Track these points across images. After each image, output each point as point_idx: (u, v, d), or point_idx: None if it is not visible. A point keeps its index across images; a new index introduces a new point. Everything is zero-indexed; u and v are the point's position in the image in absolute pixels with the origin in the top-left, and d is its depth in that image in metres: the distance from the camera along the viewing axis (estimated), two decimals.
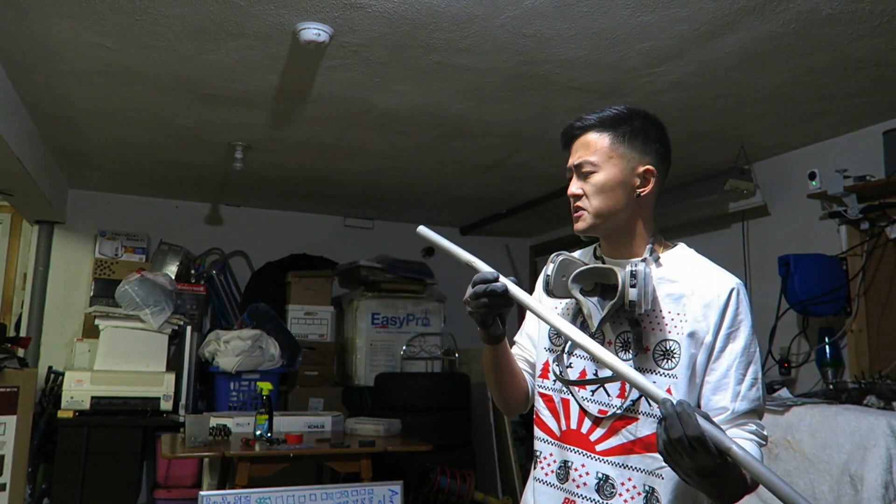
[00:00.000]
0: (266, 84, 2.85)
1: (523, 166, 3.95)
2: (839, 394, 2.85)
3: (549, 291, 1.36)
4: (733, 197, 3.67)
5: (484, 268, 1.31)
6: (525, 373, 1.53)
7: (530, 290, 1.44)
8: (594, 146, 1.36)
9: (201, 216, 5.12)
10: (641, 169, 1.35)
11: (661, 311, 1.32)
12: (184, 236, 4.88)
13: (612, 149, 1.35)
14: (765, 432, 1.30)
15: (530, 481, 1.46)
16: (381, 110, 3.14)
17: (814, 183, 3.21)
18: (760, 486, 1.11)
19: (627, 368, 1.19)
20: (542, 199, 4.56)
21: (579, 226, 1.38)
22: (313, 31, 2.31)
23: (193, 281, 4.68)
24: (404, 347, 4.91)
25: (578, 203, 1.38)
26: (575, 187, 1.38)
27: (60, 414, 3.88)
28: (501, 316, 1.35)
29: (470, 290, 1.29)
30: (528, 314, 1.55)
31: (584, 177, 1.36)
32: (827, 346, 3.16)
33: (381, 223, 5.60)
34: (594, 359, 1.25)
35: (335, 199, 4.94)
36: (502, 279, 1.28)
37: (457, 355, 5.00)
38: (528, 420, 5.89)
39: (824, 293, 3.07)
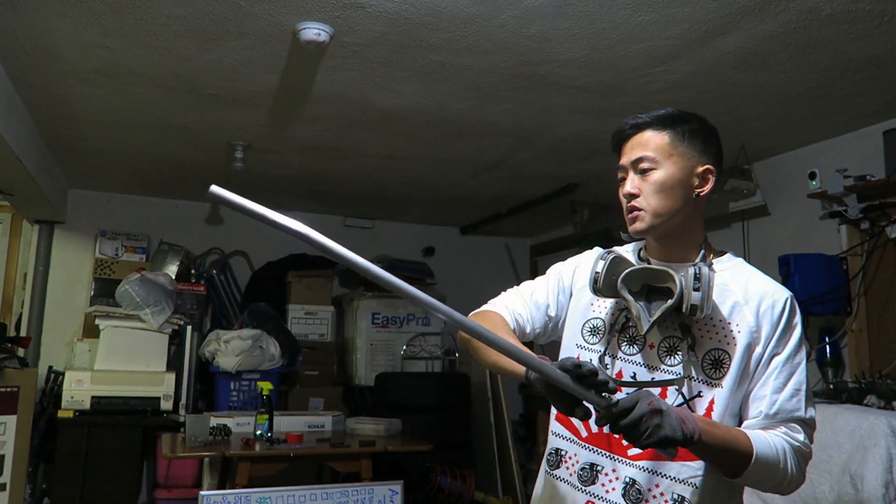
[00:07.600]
0: (266, 84, 2.85)
1: (523, 166, 3.95)
2: (839, 393, 2.86)
3: (597, 290, 1.31)
4: (733, 197, 3.67)
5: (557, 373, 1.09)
6: (512, 333, 1.43)
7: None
8: (653, 143, 1.31)
9: (201, 216, 5.12)
10: (701, 169, 1.31)
11: (715, 318, 1.28)
12: (184, 236, 4.87)
13: (671, 146, 1.30)
14: (803, 438, 1.23)
15: (546, 477, 1.40)
16: (381, 110, 3.13)
17: (814, 183, 3.21)
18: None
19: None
20: (542, 199, 4.56)
21: (637, 227, 1.31)
22: (313, 31, 2.31)
23: (194, 281, 4.68)
24: (405, 347, 4.92)
25: (635, 203, 1.31)
26: (631, 186, 1.31)
27: (61, 414, 3.88)
28: None
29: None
30: (547, 277, 1.49)
31: (642, 174, 1.30)
32: (827, 346, 3.16)
33: (381, 223, 5.59)
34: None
35: (335, 199, 4.94)
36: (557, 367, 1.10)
37: (457, 355, 5.00)
38: (528, 420, 5.84)
39: (824, 293, 3.07)
